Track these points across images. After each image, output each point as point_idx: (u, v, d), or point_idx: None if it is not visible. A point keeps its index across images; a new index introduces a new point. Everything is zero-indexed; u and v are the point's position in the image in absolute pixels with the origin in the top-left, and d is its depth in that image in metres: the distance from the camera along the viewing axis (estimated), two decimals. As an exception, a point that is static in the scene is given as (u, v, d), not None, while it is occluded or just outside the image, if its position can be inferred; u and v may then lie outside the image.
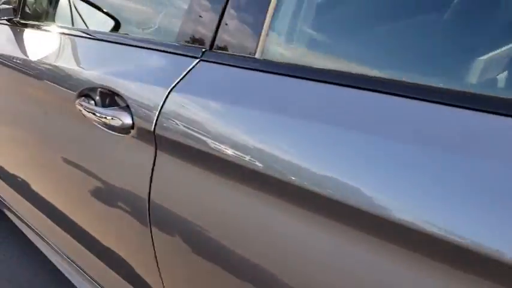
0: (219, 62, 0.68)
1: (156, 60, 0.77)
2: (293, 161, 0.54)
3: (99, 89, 0.83)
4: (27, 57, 1.05)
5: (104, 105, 0.84)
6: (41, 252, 1.31)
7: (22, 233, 1.42)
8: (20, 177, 1.28)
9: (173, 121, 0.69)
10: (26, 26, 1.13)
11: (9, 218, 1.51)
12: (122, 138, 0.79)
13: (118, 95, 0.78)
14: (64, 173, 1.02)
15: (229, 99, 0.64)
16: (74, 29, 1.03)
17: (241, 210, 0.61)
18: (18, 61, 1.08)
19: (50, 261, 1.26)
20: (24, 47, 1.09)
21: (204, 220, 0.67)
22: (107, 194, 0.88)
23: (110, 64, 0.84)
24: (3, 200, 1.51)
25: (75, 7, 1.11)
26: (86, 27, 1.00)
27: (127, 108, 0.77)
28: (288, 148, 0.55)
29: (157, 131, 0.71)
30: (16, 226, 1.46)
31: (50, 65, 0.97)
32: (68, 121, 0.95)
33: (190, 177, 0.69)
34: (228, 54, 0.67)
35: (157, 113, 0.71)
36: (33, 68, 1.03)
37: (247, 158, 0.58)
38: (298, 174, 0.52)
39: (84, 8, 1.10)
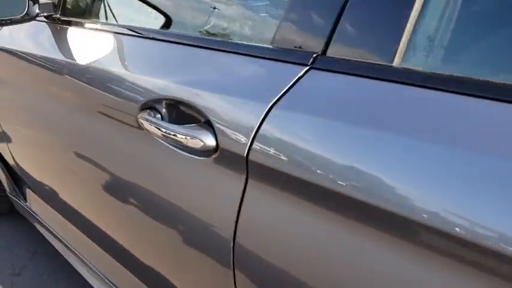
0: (338, 70, 0.53)
1: (247, 68, 0.62)
2: (445, 205, 0.40)
3: (167, 101, 0.69)
4: (73, 60, 0.91)
5: (171, 121, 0.70)
6: (76, 271, 1.19)
7: (53, 246, 1.32)
8: (58, 191, 1.15)
9: (274, 145, 0.54)
10: (68, 23, 0.99)
11: (38, 230, 1.41)
12: (200, 162, 0.64)
13: (195, 109, 0.64)
14: (116, 191, 0.88)
15: (353, 119, 0.49)
16: (127, 27, 0.88)
17: (363, 259, 0.47)
18: (60, 64, 0.94)
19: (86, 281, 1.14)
20: (69, 48, 0.95)
21: (312, 270, 0.53)
22: (173, 224, 0.74)
23: (182, 71, 0.69)
24: (34, 213, 1.39)
25: (126, 2, 0.97)
26: (140, 26, 0.85)
27: (207, 126, 0.63)
28: (431, 187, 0.41)
29: (251, 157, 0.57)
30: (46, 239, 1.36)
31: (101, 70, 0.83)
32: (123, 135, 0.81)
33: (294, 214, 0.54)
34: (351, 60, 0.52)
35: (252, 134, 0.56)
36: (78, 73, 0.89)
37: (377, 196, 0.44)
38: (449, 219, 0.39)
39: (136, 3, 0.96)
